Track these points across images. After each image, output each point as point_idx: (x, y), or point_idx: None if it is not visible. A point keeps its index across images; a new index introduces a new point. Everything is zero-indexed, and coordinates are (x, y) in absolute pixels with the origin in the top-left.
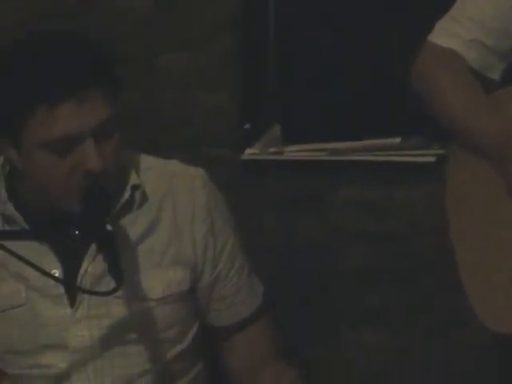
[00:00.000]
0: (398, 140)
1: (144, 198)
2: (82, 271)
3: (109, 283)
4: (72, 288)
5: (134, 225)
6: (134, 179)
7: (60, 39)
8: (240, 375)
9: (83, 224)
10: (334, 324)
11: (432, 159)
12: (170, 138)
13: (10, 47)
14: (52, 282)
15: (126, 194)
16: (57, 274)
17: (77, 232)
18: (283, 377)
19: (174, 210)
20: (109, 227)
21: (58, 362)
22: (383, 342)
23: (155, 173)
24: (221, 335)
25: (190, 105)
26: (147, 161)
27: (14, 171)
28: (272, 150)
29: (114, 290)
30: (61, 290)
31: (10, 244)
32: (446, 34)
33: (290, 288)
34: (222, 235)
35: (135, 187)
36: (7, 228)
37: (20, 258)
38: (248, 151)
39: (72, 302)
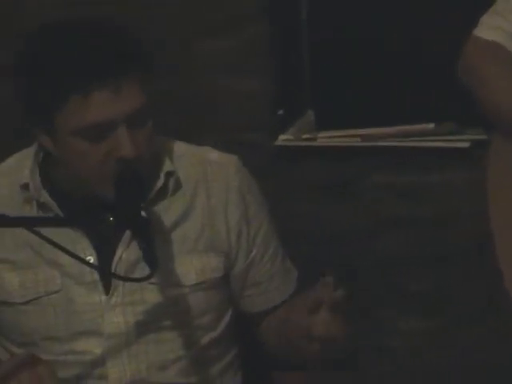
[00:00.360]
0: (431, 125)
1: (178, 184)
2: (116, 258)
3: (143, 270)
4: (107, 274)
5: (167, 211)
6: (167, 166)
7: (94, 26)
8: (278, 339)
9: (118, 210)
10: (368, 310)
11: (466, 145)
12: (203, 124)
13: (45, 34)
14: (87, 269)
15: (160, 181)
16: (91, 261)
17: (111, 218)
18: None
19: (208, 196)
20: (143, 213)
21: (93, 348)
22: (419, 327)
23: (189, 159)
24: (255, 321)
25: (224, 90)
26: (181, 147)
27: (48, 158)
28: (305, 136)
29: (149, 277)
30: (95, 276)
31: (44, 231)
32: (490, 28)
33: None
34: (255, 221)
35: (169, 174)
36: (42, 215)
37: (55, 245)
38: (281, 137)
39: (107, 288)
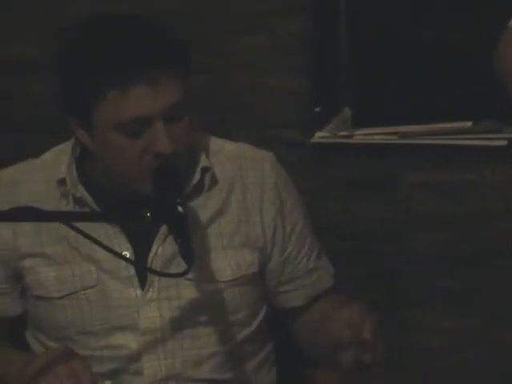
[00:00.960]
0: (469, 124)
1: (214, 180)
2: (152, 253)
3: (179, 265)
4: (143, 270)
5: (203, 207)
6: (203, 162)
7: (133, 21)
8: (312, 339)
9: (154, 205)
10: (404, 307)
11: (503, 143)
12: (240, 120)
13: (83, 29)
14: (123, 264)
15: (196, 177)
16: (128, 256)
17: (148, 214)
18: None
19: (243, 192)
20: (180, 209)
21: (128, 343)
22: (452, 325)
23: (225, 155)
24: (290, 317)
25: (261, 87)
26: (217, 143)
27: (85, 153)
28: (342, 133)
29: (185, 272)
30: (131, 271)
31: (81, 226)
32: None
33: (358, 271)
34: (291, 217)
35: (205, 169)
36: (78, 209)
37: (92, 240)
38: (318, 134)
39: (142, 283)
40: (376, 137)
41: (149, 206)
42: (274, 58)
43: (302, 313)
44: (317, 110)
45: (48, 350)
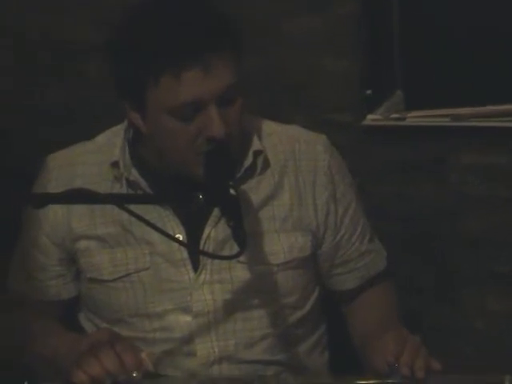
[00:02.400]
0: None
1: (266, 163)
2: (204, 236)
3: (231, 248)
4: (195, 253)
5: (256, 190)
6: (256, 145)
7: (186, 5)
8: (362, 338)
9: (207, 188)
10: (457, 289)
11: None
12: (291, 103)
13: (136, 13)
14: (176, 247)
15: (249, 160)
16: (180, 239)
17: (200, 196)
18: (407, 340)
19: (296, 175)
20: (232, 191)
21: (181, 325)
22: (508, 307)
23: (277, 138)
24: (343, 299)
25: (312, 70)
26: (269, 126)
27: (138, 136)
28: (394, 115)
29: (238, 254)
30: (184, 254)
31: (134, 209)
32: None
33: (411, 253)
34: (343, 200)
35: (257, 153)
36: (132, 192)
37: (147, 223)
38: (370, 117)
39: (195, 266)
40: (428, 119)
41: (201, 189)
42: (325, 41)
43: (356, 295)
44: (368, 92)
45: (93, 333)
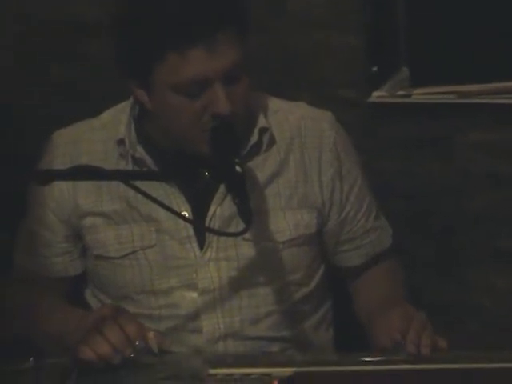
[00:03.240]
0: None
1: (272, 140)
2: (210, 213)
3: (237, 226)
4: (201, 230)
5: (262, 167)
6: (261, 122)
7: None
8: (367, 314)
9: (212, 165)
10: (461, 266)
11: None
12: (296, 80)
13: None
14: (182, 224)
15: (254, 137)
16: (186, 216)
17: (206, 173)
18: (413, 317)
19: (302, 152)
20: (238, 168)
21: (187, 302)
22: (507, 284)
23: (283, 115)
24: (348, 276)
25: (318, 47)
26: (275, 103)
27: (144, 113)
28: (399, 92)
29: (244, 231)
30: (190, 231)
31: (140, 186)
32: None
33: (417, 230)
34: (349, 177)
35: (263, 130)
36: (137, 169)
37: (153, 200)
38: (375, 94)
39: (201, 243)
40: (434, 96)
41: (207, 166)
42: (330, 17)
43: (361, 272)
44: (374, 69)
45: (97, 309)
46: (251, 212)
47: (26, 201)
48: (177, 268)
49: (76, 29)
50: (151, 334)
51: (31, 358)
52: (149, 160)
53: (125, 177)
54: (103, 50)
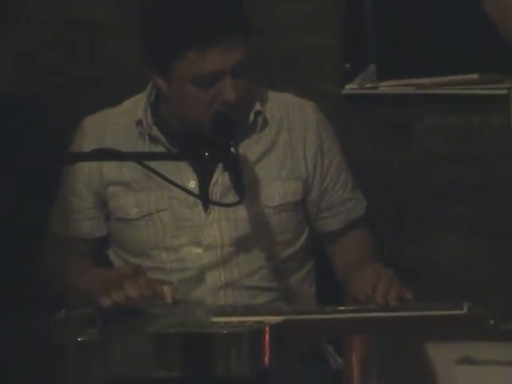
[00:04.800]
0: (475, 76)
1: (265, 122)
2: (213, 181)
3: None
4: (205, 199)
5: (256, 144)
6: (257, 106)
7: None
8: (344, 273)
9: (212, 146)
10: (423, 229)
11: (505, 92)
12: (283, 74)
13: (158, 3)
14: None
15: (250, 118)
16: (193, 185)
17: (206, 154)
18: (382, 274)
19: (289, 132)
20: (233, 150)
21: (194, 257)
22: (465, 245)
23: (274, 102)
24: (328, 240)
25: (301, 47)
26: (267, 93)
27: (160, 99)
28: (368, 85)
29: (238, 203)
30: (197, 199)
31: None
32: None
33: (384, 203)
34: (329, 154)
35: (258, 113)
36: (153, 146)
37: (162, 177)
38: (348, 86)
39: (206, 207)
40: (397, 88)
41: (207, 146)
42: (311, 22)
43: (338, 237)
44: (347, 66)
45: (118, 267)
46: (244, 186)
47: (56, 179)
48: (185, 228)
49: (93, 29)
50: (166, 288)
51: (62, 310)
52: (162, 138)
53: (138, 158)
54: (120, 50)
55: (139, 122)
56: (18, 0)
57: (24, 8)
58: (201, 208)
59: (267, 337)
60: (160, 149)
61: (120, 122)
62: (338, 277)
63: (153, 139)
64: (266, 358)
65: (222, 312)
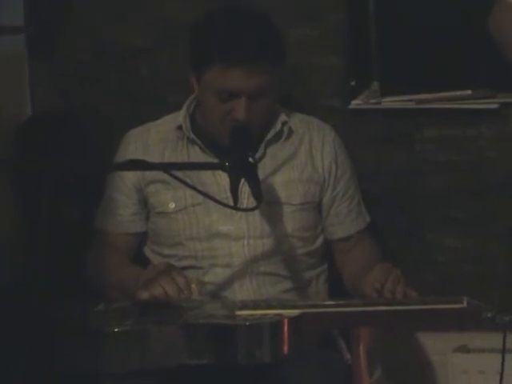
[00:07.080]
0: (468, 91)
1: (290, 131)
2: (242, 180)
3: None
4: (236, 195)
5: (281, 150)
6: (283, 117)
7: (248, 18)
8: (351, 282)
9: (231, 156)
10: (423, 231)
11: (496, 106)
12: (296, 92)
13: (206, 18)
14: (222, 188)
15: (277, 127)
16: (225, 182)
17: (226, 164)
18: (390, 271)
19: (310, 144)
20: (251, 160)
21: (223, 246)
22: (462, 244)
23: (298, 119)
24: (336, 248)
25: (310, 66)
26: (292, 112)
27: (197, 109)
28: (372, 101)
29: (255, 208)
30: (228, 193)
31: (194, 159)
32: None
33: (388, 204)
34: (341, 166)
35: (284, 123)
36: (190, 147)
37: (192, 187)
38: (354, 102)
39: (235, 202)
40: (398, 103)
41: (227, 156)
42: (320, 44)
43: (345, 246)
44: (352, 83)
45: (154, 265)
46: (261, 194)
47: (102, 179)
48: (216, 221)
49: (129, 54)
50: (194, 285)
51: (102, 303)
52: (198, 141)
53: (165, 168)
54: (153, 70)
55: (179, 127)
56: (60, 26)
57: (64, 33)
58: (231, 203)
59: (286, 328)
60: (196, 150)
61: (162, 130)
62: (346, 287)
63: (190, 141)
64: (285, 347)
65: (245, 306)
